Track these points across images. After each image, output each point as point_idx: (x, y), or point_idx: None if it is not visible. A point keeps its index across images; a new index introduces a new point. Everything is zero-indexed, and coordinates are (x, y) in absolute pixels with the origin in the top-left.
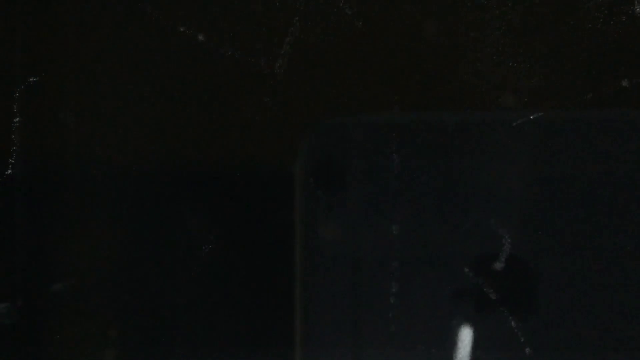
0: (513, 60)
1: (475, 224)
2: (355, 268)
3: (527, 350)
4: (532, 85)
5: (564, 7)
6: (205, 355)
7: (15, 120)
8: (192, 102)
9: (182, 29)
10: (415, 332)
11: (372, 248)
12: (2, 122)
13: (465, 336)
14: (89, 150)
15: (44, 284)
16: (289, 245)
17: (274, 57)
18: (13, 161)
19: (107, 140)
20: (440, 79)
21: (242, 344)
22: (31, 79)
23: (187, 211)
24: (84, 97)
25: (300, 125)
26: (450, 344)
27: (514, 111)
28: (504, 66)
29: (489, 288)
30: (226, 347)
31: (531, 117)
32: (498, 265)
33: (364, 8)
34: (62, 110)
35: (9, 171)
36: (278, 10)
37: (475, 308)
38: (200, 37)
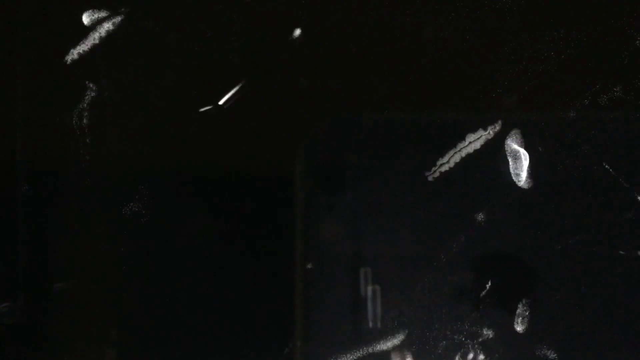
0: (513, 60)
1: (475, 223)
2: (356, 267)
3: (527, 349)
4: (532, 85)
5: (564, 7)
6: (205, 355)
7: (16, 120)
8: (192, 102)
9: (182, 30)
10: (415, 331)
11: (372, 248)
12: (3, 123)
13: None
14: (89, 151)
15: (44, 284)
16: (289, 245)
17: (274, 58)
18: (14, 161)
19: (108, 140)
20: (441, 79)
21: (242, 344)
22: (31, 79)
23: (187, 211)
24: (85, 97)
25: (300, 125)
26: (450, 343)
27: (514, 111)
28: (504, 66)
29: (489, 288)
30: (226, 347)
31: (531, 117)
32: (498, 265)
33: (363, 9)
34: (62, 110)
35: (10, 171)
36: (279, 11)
37: (475, 308)
38: (201, 38)
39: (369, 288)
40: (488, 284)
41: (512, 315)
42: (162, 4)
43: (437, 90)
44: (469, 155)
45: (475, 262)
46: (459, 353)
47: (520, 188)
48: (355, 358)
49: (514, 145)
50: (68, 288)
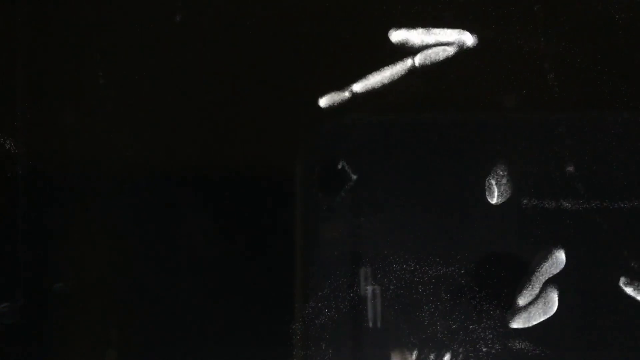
0: (514, 60)
1: (475, 224)
2: (355, 267)
3: (526, 349)
4: (532, 85)
5: (565, 6)
6: (205, 355)
7: (15, 120)
8: (192, 102)
9: (182, 30)
10: (415, 331)
11: (372, 248)
12: (3, 122)
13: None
14: (89, 151)
15: (45, 284)
16: (289, 245)
17: (274, 58)
18: (14, 162)
19: (108, 140)
20: (441, 79)
21: (242, 344)
22: (31, 79)
23: (187, 211)
24: (84, 97)
25: (300, 125)
26: (450, 343)
27: (514, 111)
28: (504, 66)
29: (489, 288)
30: (226, 347)
31: (533, 117)
32: (498, 265)
33: (361, 8)
34: (62, 110)
35: (10, 171)
36: (281, 11)
37: (475, 308)
38: (201, 38)
39: (369, 288)
40: (488, 284)
41: (511, 314)
42: (162, 5)
43: (438, 90)
44: (469, 155)
45: (476, 262)
46: (460, 352)
47: (521, 188)
48: (355, 358)
49: (493, 185)
50: (68, 288)
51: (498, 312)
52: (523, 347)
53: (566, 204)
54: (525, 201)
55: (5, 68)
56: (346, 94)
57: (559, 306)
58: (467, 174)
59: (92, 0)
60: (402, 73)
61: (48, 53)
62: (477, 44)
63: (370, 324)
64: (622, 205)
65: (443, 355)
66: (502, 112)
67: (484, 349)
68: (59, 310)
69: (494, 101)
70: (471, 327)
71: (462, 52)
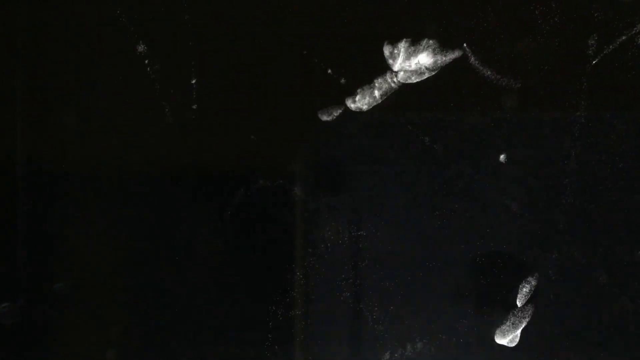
0: (513, 58)
1: (475, 224)
2: (355, 268)
3: (527, 349)
4: (532, 85)
5: (564, 6)
6: (205, 355)
7: (15, 120)
8: (191, 101)
9: (183, 30)
10: (415, 332)
11: (372, 248)
12: (3, 123)
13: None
14: (89, 151)
15: (45, 284)
16: (289, 245)
17: (275, 58)
18: (14, 162)
19: (108, 140)
20: (440, 79)
21: (242, 344)
22: (31, 79)
23: (187, 211)
24: (84, 97)
25: (300, 125)
26: (451, 343)
27: (514, 111)
28: (505, 66)
29: (489, 288)
30: (226, 346)
31: (532, 118)
32: (498, 265)
33: (360, 8)
34: (62, 110)
35: (10, 171)
36: (281, 12)
37: (475, 308)
38: (201, 38)
39: (369, 288)
40: (489, 284)
41: (512, 314)
42: (164, 7)
43: (438, 90)
44: (469, 155)
45: (476, 262)
46: (460, 353)
47: (521, 188)
48: (355, 358)
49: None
50: (68, 288)
51: (503, 312)
52: (519, 352)
53: (563, 207)
54: (525, 201)
55: (5, 68)
56: (343, 103)
57: (565, 306)
58: (468, 173)
59: (92, 1)
60: (394, 88)
61: (48, 53)
62: (474, 48)
63: (371, 324)
64: (625, 205)
65: (440, 355)
66: (502, 113)
67: (486, 350)
68: (59, 310)
69: (493, 102)
70: (468, 329)
71: (461, 55)
